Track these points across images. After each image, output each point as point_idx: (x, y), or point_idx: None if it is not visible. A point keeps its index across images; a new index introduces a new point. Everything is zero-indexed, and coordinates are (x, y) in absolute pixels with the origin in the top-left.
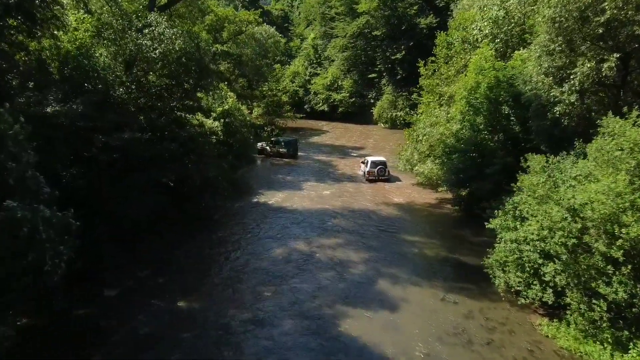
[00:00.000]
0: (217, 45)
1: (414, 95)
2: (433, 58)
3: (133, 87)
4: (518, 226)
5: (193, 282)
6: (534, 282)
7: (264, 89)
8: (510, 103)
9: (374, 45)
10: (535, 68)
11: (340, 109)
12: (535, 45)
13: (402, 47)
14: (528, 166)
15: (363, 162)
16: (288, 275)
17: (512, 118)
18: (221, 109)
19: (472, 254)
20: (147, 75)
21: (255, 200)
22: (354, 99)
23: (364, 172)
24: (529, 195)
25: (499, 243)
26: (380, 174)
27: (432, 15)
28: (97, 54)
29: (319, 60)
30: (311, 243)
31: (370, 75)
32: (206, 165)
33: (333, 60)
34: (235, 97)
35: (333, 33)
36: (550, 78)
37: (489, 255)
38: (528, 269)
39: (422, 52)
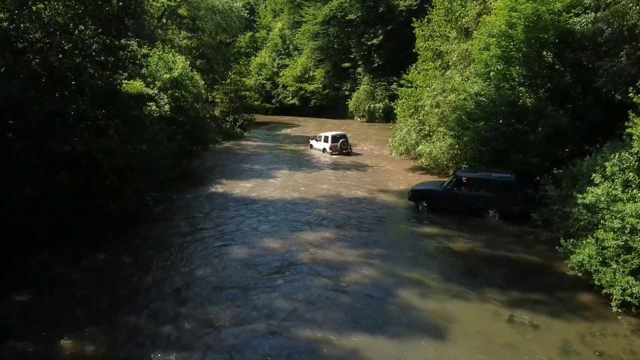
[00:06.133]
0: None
1: (394, 85)
2: (431, 16)
3: (23, 13)
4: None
5: (100, 315)
6: None
7: (230, 77)
8: (553, 47)
9: (348, 32)
10: None
11: (312, 102)
12: None
13: (380, 32)
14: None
15: (317, 139)
16: (255, 287)
17: (558, 66)
18: (168, 76)
19: (525, 250)
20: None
21: (212, 190)
22: (327, 91)
23: (324, 148)
24: None
25: (600, 225)
26: (343, 147)
27: None
28: None
29: (287, 51)
30: (289, 240)
31: (344, 65)
32: (134, 136)
33: (303, 49)
34: (187, 63)
35: (302, 20)
36: None
37: (571, 247)
38: None
39: (401, 37)
